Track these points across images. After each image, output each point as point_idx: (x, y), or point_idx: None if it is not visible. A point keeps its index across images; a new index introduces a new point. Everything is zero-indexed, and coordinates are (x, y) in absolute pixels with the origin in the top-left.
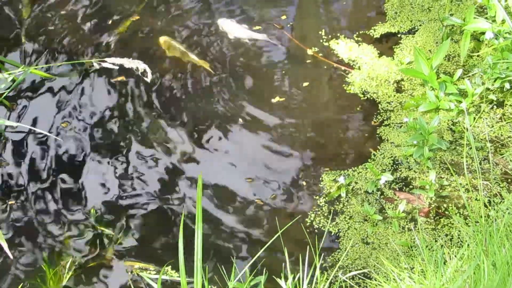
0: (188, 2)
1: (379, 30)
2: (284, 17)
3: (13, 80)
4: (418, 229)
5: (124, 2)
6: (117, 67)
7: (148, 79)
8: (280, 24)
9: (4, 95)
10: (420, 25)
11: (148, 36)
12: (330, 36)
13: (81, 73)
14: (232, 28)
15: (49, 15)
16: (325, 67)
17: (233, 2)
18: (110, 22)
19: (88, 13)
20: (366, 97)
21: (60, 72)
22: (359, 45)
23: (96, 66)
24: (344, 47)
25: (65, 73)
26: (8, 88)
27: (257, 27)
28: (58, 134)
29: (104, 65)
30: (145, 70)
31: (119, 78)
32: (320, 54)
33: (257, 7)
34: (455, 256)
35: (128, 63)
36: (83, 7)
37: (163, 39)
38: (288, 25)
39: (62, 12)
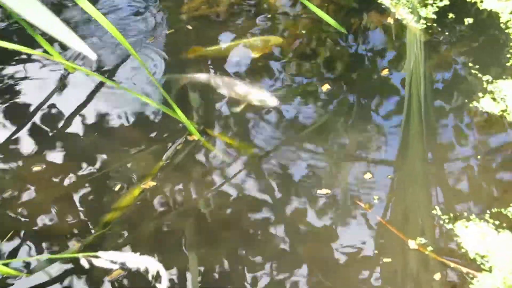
0: (219, 164)
1: None
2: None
3: None
4: None
5: (134, 164)
6: (116, 266)
7: (164, 286)
8: (366, 203)
9: None
10: None
11: (165, 214)
12: (446, 216)
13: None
14: None
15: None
16: (436, 267)
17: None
18: (113, 190)
19: (84, 178)
20: None
21: (34, 268)
22: (498, 231)
23: (85, 264)
24: (471, 234)
25: (43, 267)
26: None
27: (325, 191)
28: None
29: (97, 262)
30: (158, 273)
31: (116, 274)
32: (430, 248)
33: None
34: None
35: (134, 260)
36: (77, 177)
37: None
38: (377, 200)
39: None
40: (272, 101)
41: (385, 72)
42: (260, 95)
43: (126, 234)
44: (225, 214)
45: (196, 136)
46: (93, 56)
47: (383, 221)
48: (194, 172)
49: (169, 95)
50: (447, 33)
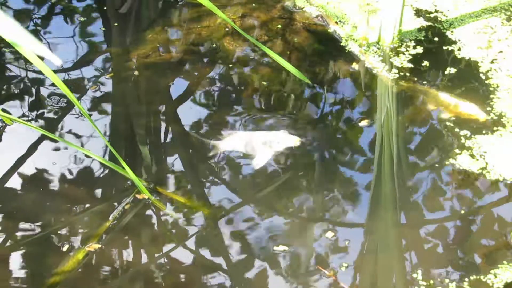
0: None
1: (502, 275)
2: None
3: None
4: None
5: (78, 225)
6: None
7: None
8: (330, 269)
9: None
10: None
11: (112, 280)
12: (421, 285)
13: None
14: None
15: None
16: None
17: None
18: (55, 253)
19: (22, 240)
20: None
21: None
22: None
23: None
24: None
25: None
26: None
27: (282, 248)
28: None
29: None
30: None
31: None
32: None
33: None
34: None
35: None
36: (15, 238)
37: None
38: (344, 267)
39: None
40: (292, 140)
41: (364, 122)
42: (278, 138)
43: None
44: (177, 280)
45: (145, 195)
46: (57, 61)
47: None
48: (143, 233)
49: (116, 149)
50: (421, 84)
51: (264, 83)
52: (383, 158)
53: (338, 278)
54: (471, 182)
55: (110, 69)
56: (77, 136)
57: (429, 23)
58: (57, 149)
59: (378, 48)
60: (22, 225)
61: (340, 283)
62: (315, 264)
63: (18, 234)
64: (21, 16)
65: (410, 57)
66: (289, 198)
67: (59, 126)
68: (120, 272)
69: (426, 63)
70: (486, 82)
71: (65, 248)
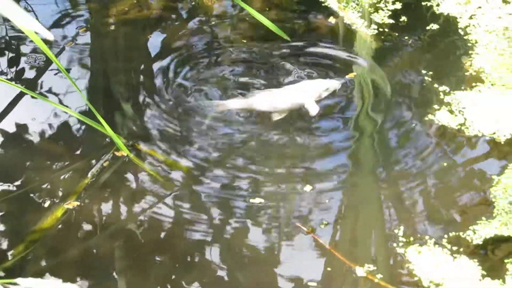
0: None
1: (481, 231)
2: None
3: None
4: None
5: (56, 182)
6: None
7: None
8: (309, 226)
9: None
10: None
11: (91, 237)
12: (399, 240)
13: None
14: None
15: None
16: None
17: None
18: (34, 210)
19: (1, 197)
20: None
21: None
22: (454, 257)
23: None
24: (425, 260)
25: None
26: None
27: (258, 201)
28: None
29: None
30: None
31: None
32: (379, 276)
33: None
34: None
35: None
36: None
37: None
38: (323, 226)
39: None
40: (336, 84)
41: (342, 78)
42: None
43: (48, 258)
44: (157, 236)
45: (124, 152)
46: (50, 36)
47: (327, 245)
48: (122, 191)
49: (95, 106)
50: (400, 40)
51: (244, 40)
52: (361, 113)
53: (317, 234)
54: (450, 138)
55: (86, 25)
56: (56, 93)
57: None
58: (35, 106)
59: (357, 4)
60: (0, 182)
61: (319, 240)
62: (292, 218)
63: None
64: None
65: (389, 13)
66: (268, 153)
67: (38, 83)
68: (98, 229)
69: (404, 18)
70: (465, 37)
71: (44, 206)
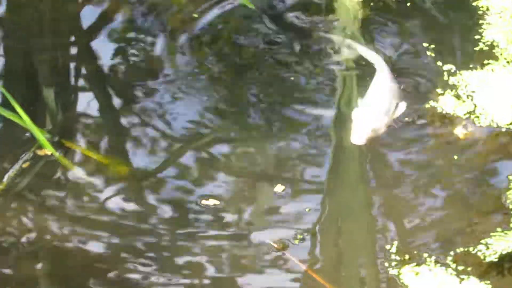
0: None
1: (496, 246)
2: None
3: None
4: None
5: None
6: None
7: None
8: (281, 242)
9: None
10: None
11: (7, 256)
12: (394, 260)
13: None
14: None
15: None
16: None
17: None
18: None
19: None
20: None
21: None
22: (461, 279)
23: None
24: (424, 284)
25: None
26: None
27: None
28: None
29: None
30: None
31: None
32: None
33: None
34: None
35: None
36: None
37: None
38: (298, 242)
39: None
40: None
41: (326, 59)
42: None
43: None
44: (90, 254)
45: (48, 150)
46: None
47: (303, 265)
48: (46, 198)
49: (12, 93)
50: (393, 9)
51: (196, 14)
52: (341, 101)
53: (291, 252)
54: (456, 130)
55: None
56: None
57: None
58: None
59: None
60: None
61: (292, 258)
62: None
63: None
64: None
65: None
66: (223, 147)
67: None
68: (16, 244)
69: None
70: (474, 4)
71: None
